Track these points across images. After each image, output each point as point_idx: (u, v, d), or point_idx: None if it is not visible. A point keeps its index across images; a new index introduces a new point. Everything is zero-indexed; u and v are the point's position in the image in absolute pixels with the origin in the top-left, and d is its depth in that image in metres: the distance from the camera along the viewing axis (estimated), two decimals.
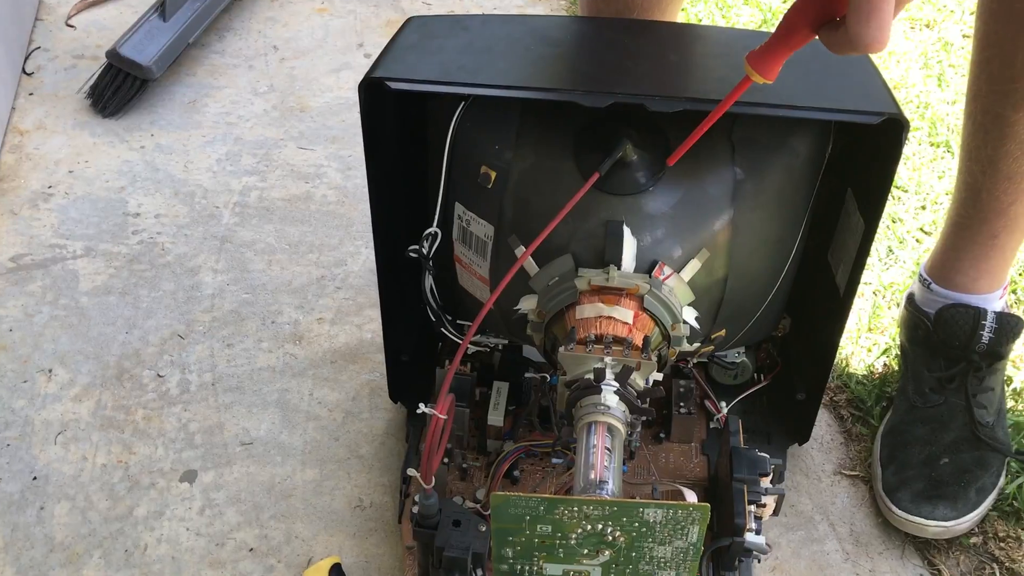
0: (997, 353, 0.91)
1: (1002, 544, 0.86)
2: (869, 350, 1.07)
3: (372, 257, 0.83)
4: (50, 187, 1.27)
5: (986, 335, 0.90)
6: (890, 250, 1.20)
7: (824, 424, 0.99)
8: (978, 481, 0.87)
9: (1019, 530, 0.87)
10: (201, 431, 0.96)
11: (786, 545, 0.88)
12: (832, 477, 0.94)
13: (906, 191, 1.29)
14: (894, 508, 0.87)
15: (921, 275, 0.98)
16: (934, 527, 0.85)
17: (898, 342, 1.06)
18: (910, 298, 0.99)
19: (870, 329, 1.09)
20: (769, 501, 0.77)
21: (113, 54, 1.38)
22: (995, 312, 0.90)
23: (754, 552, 0.75)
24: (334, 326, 1.08)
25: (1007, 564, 0.85)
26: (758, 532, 0.75)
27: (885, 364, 1.05)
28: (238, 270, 1.15)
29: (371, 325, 1.08)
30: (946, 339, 0.91)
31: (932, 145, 1.38)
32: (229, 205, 1.26)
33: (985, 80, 0.83)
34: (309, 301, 1.11)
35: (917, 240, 1.22)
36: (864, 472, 0.94)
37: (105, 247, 1.18)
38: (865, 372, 1.04)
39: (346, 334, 1.07)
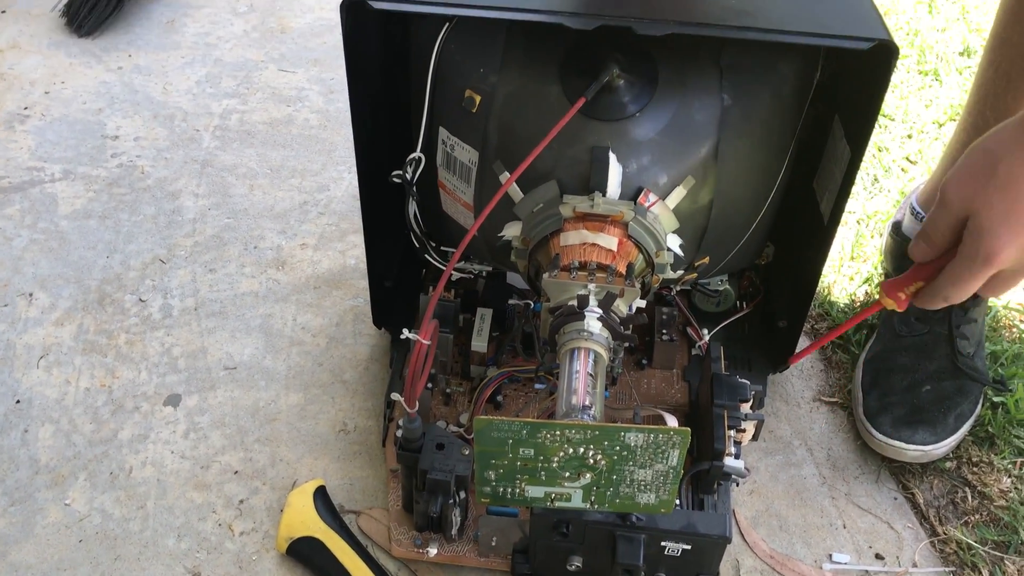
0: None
1: (975, 468, 0.88)
2: (851, 279, 1.07)
3: (355, 182, 0.82)
4: (26, 108, 1.24)
5: None
6: (875, 179, 1.20)
7: None
8: (957, 408, 0.89)
9: (992, 455, 0.89)
10: (184, 355, 0.96)
11: (764, 469, 0.89)
12: (811, 403, 0.95)
13: (893, 119, 1.29)
14: (874, 432, 0.88)
15: (913, 207, 0.97)
16: (913, 451, 0.87)
17: (881, 271, 1.06)
18: (896, 227, 0.99)
19: (852, 258, 1.10)
20: (749, 426, 0.78)
21: None
22: None
23: (733, 476, 0.76)
24: (317, 251, 1.08)
25: (979, 488, 0.87)
26: (737, 456, 0.76)
27: (867, 292, 1.06)
28: (219, 194, 1.14)
29: (354, 251, 1.07)
30: None
31: (920, 73, 1.37)
32: (210, 128, 1.24)
33: (1020, 31, 0.81)
34: (292, 226, 1.10)
35: (903, 169, 1.21)
36: (843, 399, 0.95)
37: (84, 170, 1.16)
38: (847, 300, 1.05)
39: (329, 260, 1.07)
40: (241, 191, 1.15)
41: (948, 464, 0.89)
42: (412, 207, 0.83)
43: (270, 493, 0.85)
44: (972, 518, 0.85)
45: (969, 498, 0.86)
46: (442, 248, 0.87)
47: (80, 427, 0.89)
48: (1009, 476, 0.87)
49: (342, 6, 0.69)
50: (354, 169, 0.80)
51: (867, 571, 0.82)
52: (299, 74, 1.33)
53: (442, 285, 0.70)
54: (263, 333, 0.98)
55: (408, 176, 0.80)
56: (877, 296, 0.74)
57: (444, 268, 0.82)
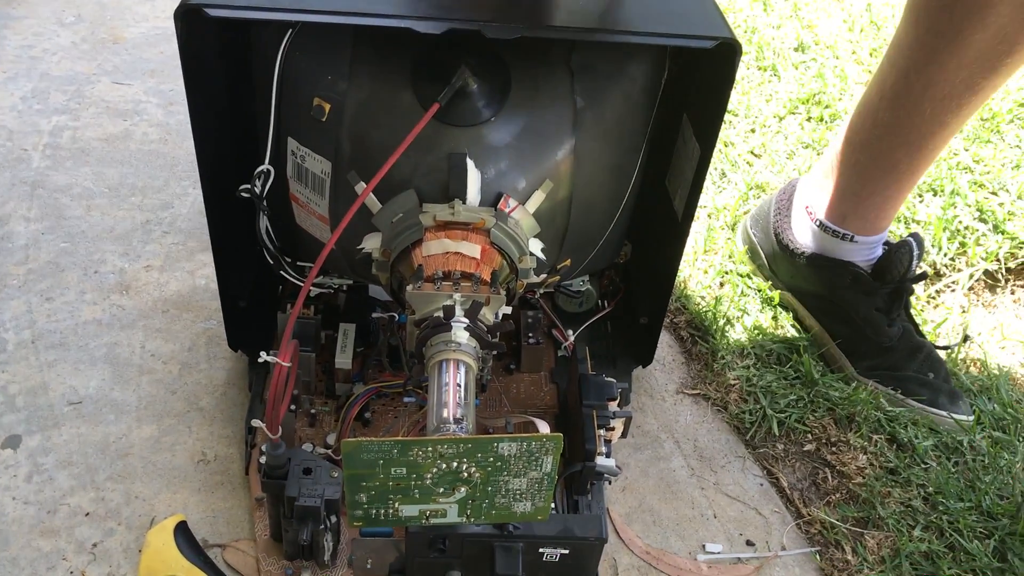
0: (924, 274, 1.00)
1: (833, 449, 0.92)
2: (705, 272, 1.10)
3: (201, 198, 0.78)
4: None
5: (915, 260, 0.97)
6: (723, 173, 1.23)
7: (665, 345, 1.02)
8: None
9: (849, 434, 0.93)
10: (23, 392, 0.89)
11: (635, 465, 0.90)
12: (675, 396, 0.97)
13: (736, 115, 1.33)
14: (961, 417, 0.95)
15: (824, 223, 1.00)
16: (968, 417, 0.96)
17: (737, 263, 1.09)
18: (818, 259, 1.02)
19: (705, 251, 1.12)
20: (617, 424, 0.79)
21: None
22: (915, 238, 0.97)
23: (605, 475, 0.77)
24: (164, 273, 1.02)
25: (838, 467, 0.90)
26: (608, 455, 0.76)
27: (720, 284, 1.09)
28: (53, 217, 1.07)
29: (204, 270, 1.02)
30: (886, 275, 0.98)
31: (760, 69, 1.43)
32: (39, 147, 1.16)
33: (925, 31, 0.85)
34: (135, 248, 1.05)
35: (748, 163, 1.26)
36: (704, 390, 0.97)
37: None
38: (702, 293, 1.07)
39: (177, 281, 1.01)
40: (77, 212, 1.08)
41: (809, 447, 0.92)
42: (263, 222, 0.79)
43: (126, 533, 0.80)
44: (833, 497, 0.88)
45: (829, 478, 0.90)
46: (299, 263, 0.84)
47: None
48: (865, 453, 0.91)
49: (177, 14, 0.65)
50: (199, 184, 0.76)
51: (739, 558, 0.84)
52: (135, 86, 1.26)
53: (300, 303, 0.67)
54: (109, 363, 0.93)
55: (257, 190, 0.77)
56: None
57: (301, 284, 0.79)
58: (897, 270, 0.97)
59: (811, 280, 1.03)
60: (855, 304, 0.99)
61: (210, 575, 0.74)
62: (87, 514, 0.81)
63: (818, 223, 1.01)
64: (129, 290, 1.00)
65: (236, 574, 0.77)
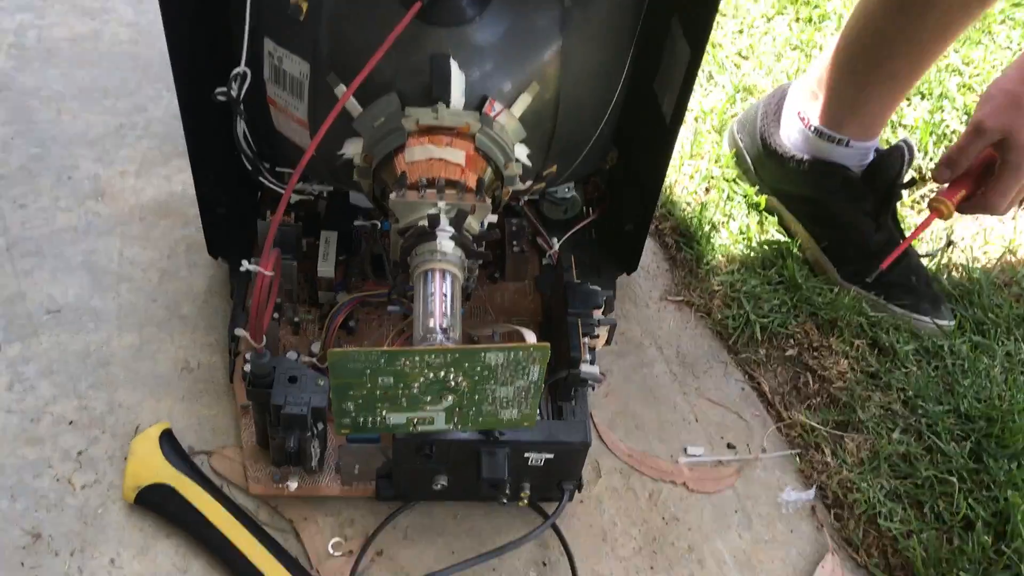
0: (913, 179, 1.00)
1: (815, 354, 0.93)
2: (691, 177, 1.09)
3: (176, 101, 0.75)
4: None
5: (906, 165, 0.96)
6: (710, 76, 1.21)
7: (650, 252, 1.02)
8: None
9: (831, 339, 0.94)
10: None
11: (618, 371, 0.91)
12: (659, 303, 0.97)
13: (724, 15, 1.30)
14: (942, 322, 0.96)
15: (820, 129, 0.99)
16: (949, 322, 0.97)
17: (722, 167, 1.08)
18: (808, 163, 1.01)
19: (692, 156, 1.11)
20: (602, 332, 0.79)
21: None
22: (906, 144, 0.96)
23: (589, 381, 0.77)
24: (139, 179, 1.00)
25: (819, 372, 0.91)
26: (592, 362, 0.77)
27: (707, 190, 1.08)
28: (22, 121, 1.04)
29: (181, 176, 1.00)
30: (877, 180, 0.97)
31: None
32: (3, 47, 1.12)
33: None
34: (109, 152, 1.02)
35: (736, 65, 1.23)
36: (688, 296, 0.97)
37: None
38: (688, 199, 1.06)
39: (153, 187, 0.99)
40: (47, 116, 1.04)
41: (791, 352, 0.93)
42: (240, 127, 0.77)
43: (111, 441, 0.80)
44: (814, 401, 0.89)
45: (811, 382, 0.91)
46: (278, 169, 0.82)
47: None
48: (847, 358, 0.92)
49: None
50: (173, 87, 0.74)
51: (720, 460, 0.85)
52: None
53: (281, 211, 0.65)
54: (87, 271, 0.91)
55: (234, 93, 0.74)
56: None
57: (282, 191, 0.77)
58: (888, 175, 0.96)
59: (799, 184, 1.02)
60: (843, 208, 0.99)
61: (197, 482, 0.75)
62: (71, 422, 0.80)
63: (812, 128, 1.00)
64: (104, 196, 0.98)
65: (223, 480, 0.78)
